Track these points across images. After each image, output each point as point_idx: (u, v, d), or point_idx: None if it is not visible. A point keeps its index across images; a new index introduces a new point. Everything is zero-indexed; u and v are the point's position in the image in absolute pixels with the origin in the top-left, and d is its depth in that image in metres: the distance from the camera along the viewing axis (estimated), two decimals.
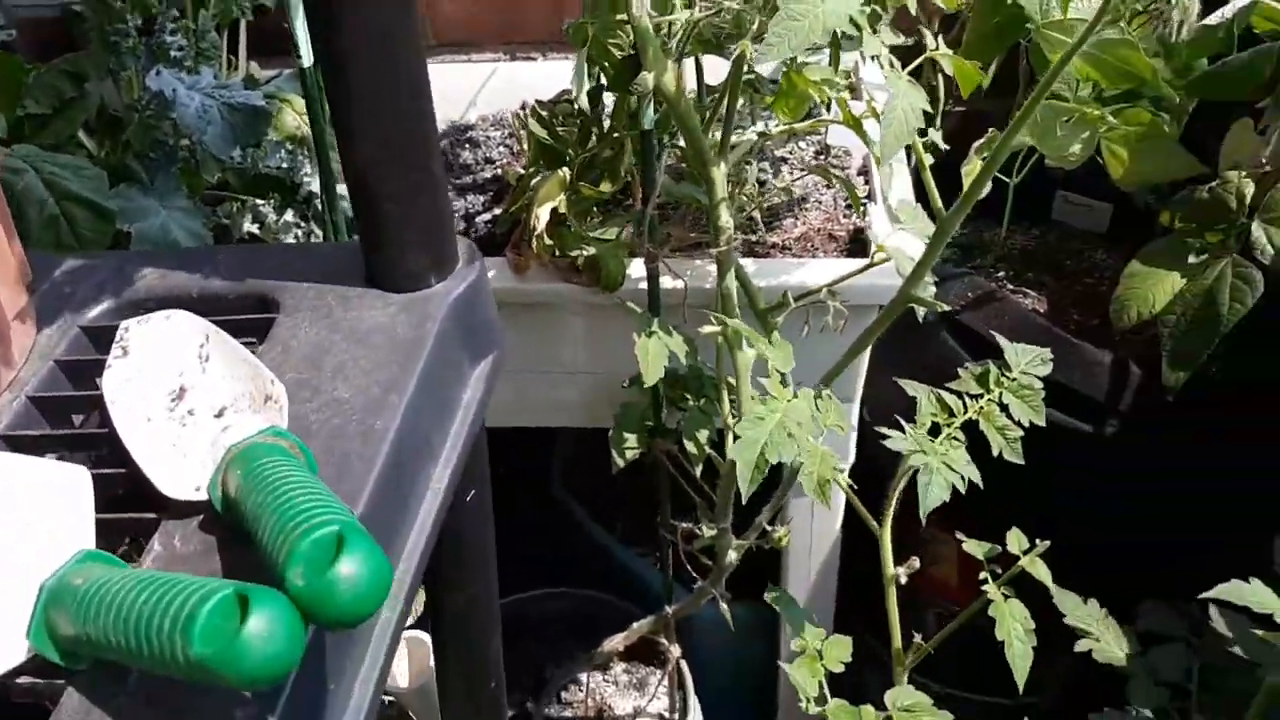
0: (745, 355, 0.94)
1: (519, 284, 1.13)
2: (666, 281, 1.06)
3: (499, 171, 1.32)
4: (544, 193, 1.01)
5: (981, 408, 0.82)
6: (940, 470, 0.77)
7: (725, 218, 0.90)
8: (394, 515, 0.60)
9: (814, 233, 1.21)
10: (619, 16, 0.78)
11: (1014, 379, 0.83)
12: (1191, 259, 1.12)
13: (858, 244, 1.19)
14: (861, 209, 1.12)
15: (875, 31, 0.77)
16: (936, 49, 0.81)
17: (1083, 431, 1.16)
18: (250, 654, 0.40)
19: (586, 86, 0.88)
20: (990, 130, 1.04)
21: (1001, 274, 1.45)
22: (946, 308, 0.83)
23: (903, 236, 1.01)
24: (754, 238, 1.20)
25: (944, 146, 1.49)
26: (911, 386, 0.82)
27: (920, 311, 0.86)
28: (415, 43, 0.63)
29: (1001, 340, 0.85)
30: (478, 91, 1.52)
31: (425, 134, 0.66)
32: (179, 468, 0.58)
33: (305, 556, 0.43)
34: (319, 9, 0.60)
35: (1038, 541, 0.83)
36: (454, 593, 0.86)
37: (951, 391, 0.83)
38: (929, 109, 0.78)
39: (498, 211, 1.29)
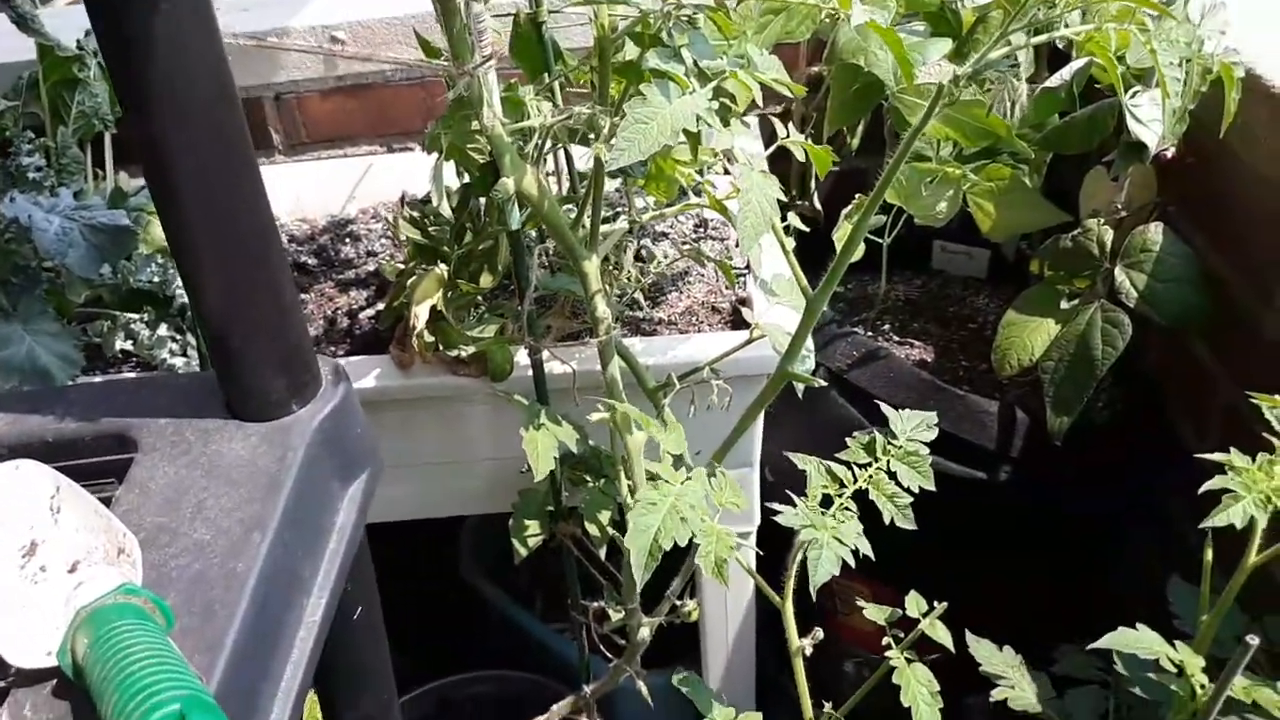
0: (635, 438, 0.94)
1: (406, 380, 1.11)
2: (555, 366, 1.06)
3: (381, 265, 1.31)
4: (421, 290, 1.00)
5: (870, 476, 0.83)
6: (830, 545, 0.77)
7: (602, 308, 0.90)
8: (263, 658, 0.58)
9: (698, 306, 1.22)
10: (474, 126, 0.79)
11: (900, 445, 0.84)
12: (1063, 304, 1.16)
13: (740, 315, 1.20)
14: (738, 284, 1.14)
15: (726, 125, 0.78)
16: (787, 135, 0.83)
17: (977, 479, 1.18)
18: None
19: (444, 195, 0.87)
20: (858, 196, 1.07)
21: (887, 326, 1.48)
22: (822, 383, 0.84)
23: (779, 310, 1.02)
24: (640, 314, 1.21)
25: (819, 208, 1.52)
26: (801, 459, 0.83)
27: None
28: (247, 153, 0.61)
29: (886, 409, 0.86)
30: (356, 185, 1.51)
31: (271, 258, 0.64)
32: (29, 632, 0.55)
33: None
34: (135, 118, 0.58)
35: (935, 604, 0.83)
36: (350, 711, 0.83)
37: (840, 462, 0.83)
38: (784, 197, 0.79)
39: (381, 307, 1.27)
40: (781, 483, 1.22)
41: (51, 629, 0.55)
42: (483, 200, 1.05)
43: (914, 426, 0.86)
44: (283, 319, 0.66)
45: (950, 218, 1.21)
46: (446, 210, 0.91)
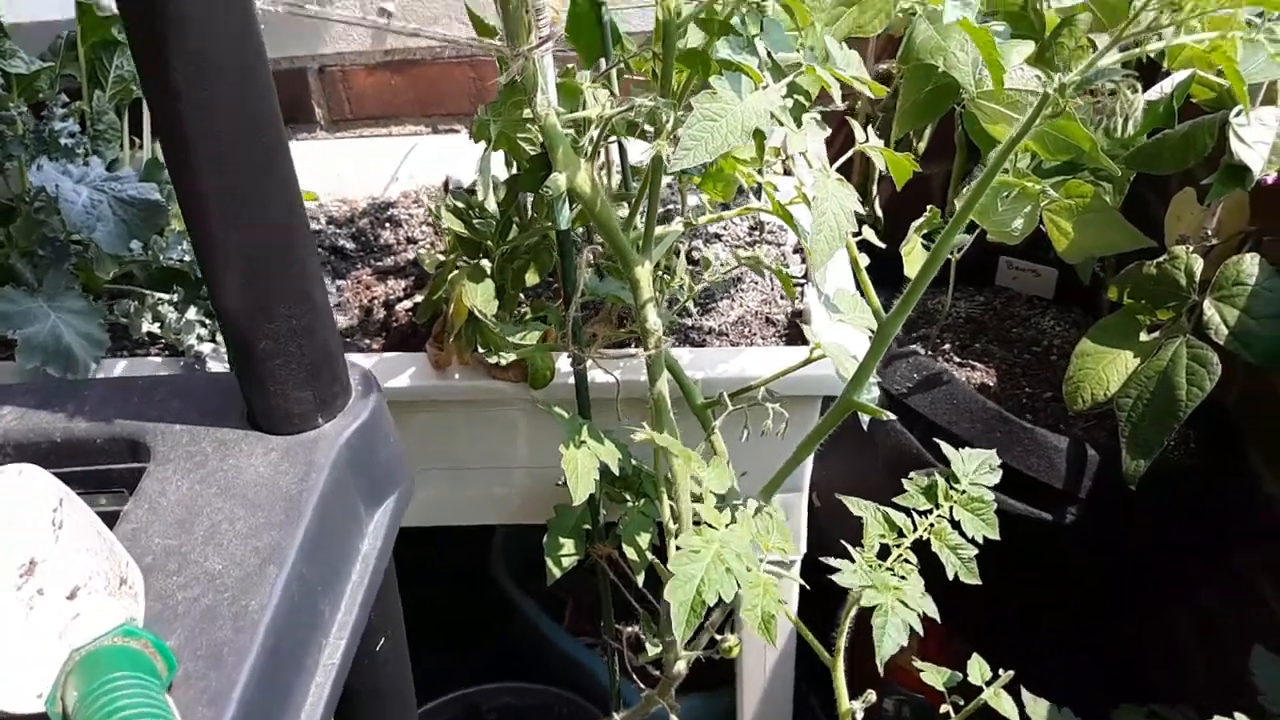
0: (681, 464, 0.88)
1: (441, 381, 1.05)
2: (598, 375, 1.00)
3: (420, 255, 1.25)
4: (463, 290, 0.94)
5: (932, 524, 0.76)
6: (896, 610, 0.70)
7: (653, 319, 0.84)
8: (274, 712, 0.52)
9: (751, 316, 1.16)
10: (525, 114, 0.72)
11: (963, 490, 0.77)
12: (1143, 336, 1.08)
13: (797, 328, 1.13)
14: (798, 295, 1.07)
15: (800, 125, 0.71)
16: (866, 141, 0.76)
17: (1041, 519, 1.11)
18: None
19: (490, 188, 0.81)
20: (929, 209, 0.99)
21: (948, 345, 1.40)
22: (891, 416, 0.77)
23: (841, 329, 0.95)
24: (688, 321, 1.15)
25: (879, 214, 1.45)
26: (856, 505, 0.76)
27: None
28: (278, 138, 0.55)
29: (947, 449, 0.79)
30: (399, 166, 1.45)
31: (301, 255, 0.59)
32: (22, 672, 0.50)
33: None
34: (154, 89, 0.52)
35: (1001, 672, 0.77)
36: None
37: (897, 507, 0.76)
38: (860, 208, 0.72)
39: (419, 299, 1.22)
40: (831, 510, 1.15)
41: (44, 669, 0.50)
42: (530, 194, 0.98)
43: (977, 468, 0.79)
44: (312, 325, 0.60)
45: (1025, 236, 1.14)
46: (492, 205, 0.85)
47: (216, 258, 0.56)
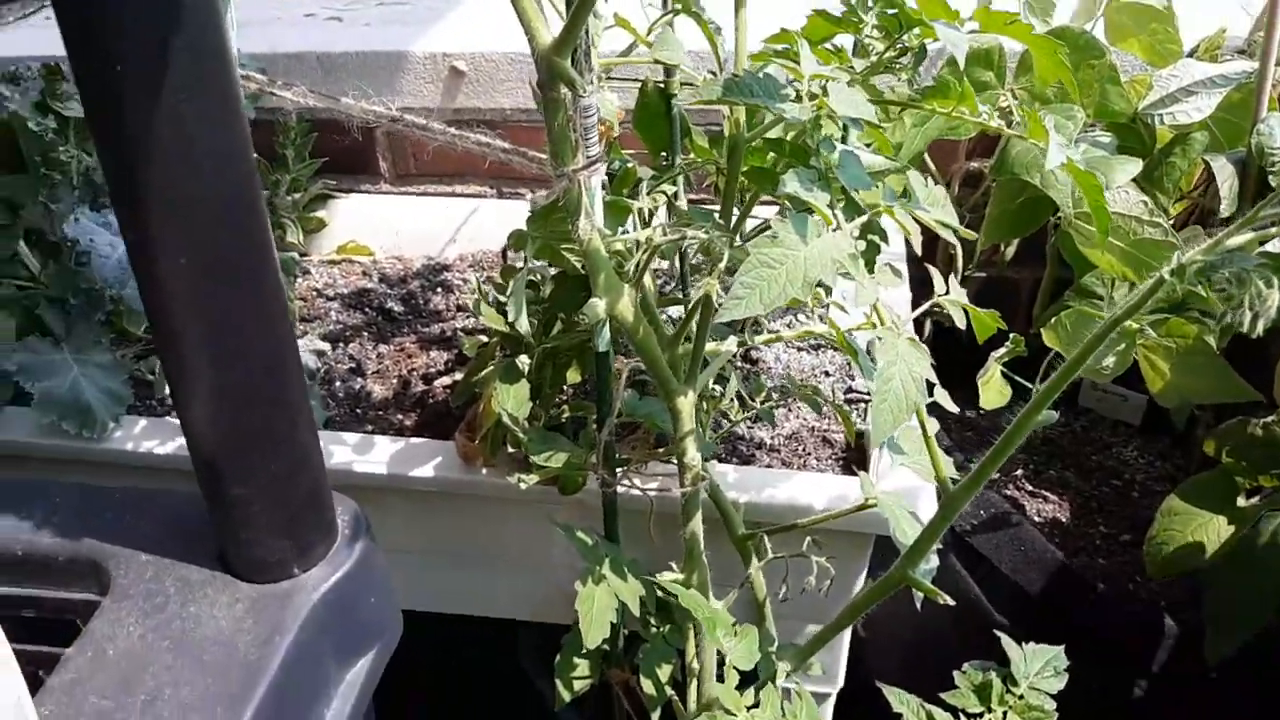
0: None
1: (466, 475, 0.99)
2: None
3: (460, 339, 1.20)
4: (494, 392, 0.88)
5: None
6: None
7: (693, 453, 0.76)
8: None
9: (806, 432, 1.07)
10: (568, 229, 0.66)
11: (1020, 695, 0.67)
12: (1240, 501, 0.98)
13: (858, 451, 1.04)
14: (855, 435, 0.98)
15: (871, 272, 0.63)
16: (946, 292, 0.68)
17: (1101, 689, 1.00)
18: None
19: (522, 310, 0.75)
20: (1012, 337, 0.90)
21: (1020, 470, 1.30)
22: (949, 601, 0.68)
23: (903, 473, 0.87)
24: (739, 430, 1.07)
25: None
26: (897, 698, 0.67)
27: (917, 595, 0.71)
28: (266, 257, 0.49)
29: (1007, 642, 0.70)
30: (458, 229, 1.40)
31: (290, 399, 0.52)
32: None
33: None
34: (125, 213, 0.46)
35: None
36: None
37: (943, 706, 0.67)
38: (934, 375, 0.64)
39: (460, 376, 1.16)
40: (876, 638, 1.06)
41: None
42: None
43: (1041, 668, 0.69)
44: (295, 471, 0.53)
45: (1117, 375, 1.04)
46: (524, 326, 0.78)
47: (186, 388, 0.50)
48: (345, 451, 1.00)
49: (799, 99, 0.61)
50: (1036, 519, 1.24)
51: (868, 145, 0.75)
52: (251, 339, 0.50)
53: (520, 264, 0.96)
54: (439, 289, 1.34)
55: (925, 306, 0.70)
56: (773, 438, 1.06)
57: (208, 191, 0.47)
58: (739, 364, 1.16)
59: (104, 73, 0.43)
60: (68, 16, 0.43)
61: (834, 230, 0.62)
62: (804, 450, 1.05)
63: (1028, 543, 1.05)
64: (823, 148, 0.65)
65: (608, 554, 0.81)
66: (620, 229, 0.73)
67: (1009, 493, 1.28)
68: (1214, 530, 0.96)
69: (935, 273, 0.69)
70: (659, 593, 0.91)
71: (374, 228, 1.42)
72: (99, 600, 0.56)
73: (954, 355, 0.96)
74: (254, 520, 0.54)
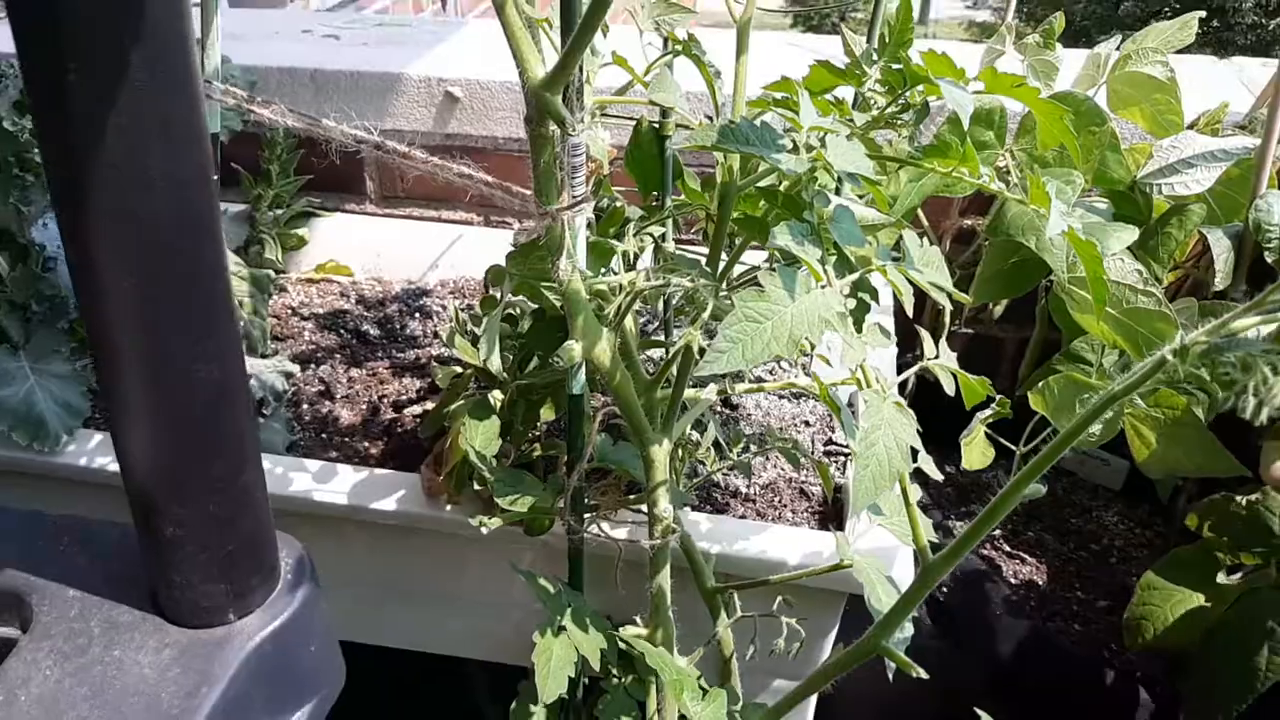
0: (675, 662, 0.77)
1: (429, 511, 0.95)
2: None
3: (433, 369, 1.17)
4: (464, 427, 0.85)
5: None
6: None
7: (664, 505, 0.73)
8: None
9: (784, 482, 1.05)
10: (546, 268, 0.63)
11: None
12: (1221, 578, 0.95)
13: (835, 505, 1.02)
14: (834, 489, 0.95)
15: (860, 332, 0.61)
16: (936, 355, 0.66)
17: None
18: None
19: (495, 348, 0.72)
20: (998, 399, 0.88)
21: (998, 531, 1.27)
22: (923, 674, 0.65)
23: (880, 533, 0.84)
24: (714, 476, 1.04)
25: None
26: None
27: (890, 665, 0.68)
28: (218, 274, 0.46)
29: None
30: (441, 254, 1.37)
31: (236, 433, 0.49)
32: None
33: None
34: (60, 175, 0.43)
35: None
36: None
37: None
38: (918, 442, 0.61)
39: (431, 405, 1.13)
40: (845, 695, 1.02)
41: None
42: None
43: None
44: (236, 513, 0.50)
45: (1102, 442, 1.02)
46: (495, 364, 0.76)
47: (123, 417, 0.47)
48: (306, 479, 0.96)
49: (795, 150, 0.59)
50: (1013, 581, 1.22)
51: (861, 197, 0.73)
52: (198, 370, 0.47)
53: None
54: (417, 314, 1.31)
55: (913, 370, 0.68)
56: (749, 486, 1.04)
57: (160, 210, 0.44)
58: (718, 409, 1.13)
59: (55, 75, 0.41)
60: (20, 14, 0.40)
61: (823, 287, 0.59)
62: (780, 501, 1.02)
63: (1002, 610, 1.02)
64: (817, 202, 0.62)
65: (570, 603, 0.78)
66: (604, 269, 0.71)
67: (985, 553, 1.25)
68: (1193, 608, 0.93)
69: (925, 334, 0.67)
70: (621, 644, 0.87)
71: (356, 248, 1.39)
72: (16, 637, 0.52)
73: (936, 408, 0.94)
74: (188, 562, 0.50)
